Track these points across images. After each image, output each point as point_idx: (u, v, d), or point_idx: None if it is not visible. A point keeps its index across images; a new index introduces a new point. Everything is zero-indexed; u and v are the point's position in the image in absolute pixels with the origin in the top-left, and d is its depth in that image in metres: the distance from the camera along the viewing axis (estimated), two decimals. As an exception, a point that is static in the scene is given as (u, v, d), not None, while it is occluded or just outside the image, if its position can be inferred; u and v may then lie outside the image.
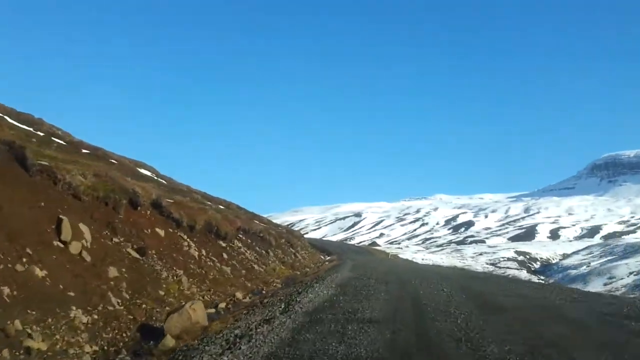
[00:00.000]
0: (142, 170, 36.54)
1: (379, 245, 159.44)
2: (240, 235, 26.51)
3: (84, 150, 30.02)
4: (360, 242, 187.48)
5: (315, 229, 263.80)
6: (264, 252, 28.38)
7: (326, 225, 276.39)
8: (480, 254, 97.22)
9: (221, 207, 34.93)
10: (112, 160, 31.52)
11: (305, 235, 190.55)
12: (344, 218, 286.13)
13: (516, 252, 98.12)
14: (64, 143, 27.79)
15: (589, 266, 72.03)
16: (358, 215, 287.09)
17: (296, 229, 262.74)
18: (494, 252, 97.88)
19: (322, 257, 47.25)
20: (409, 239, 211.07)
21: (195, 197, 31.74)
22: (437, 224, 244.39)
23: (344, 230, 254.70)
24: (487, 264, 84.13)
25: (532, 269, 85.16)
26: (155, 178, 35.31)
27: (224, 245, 22.49)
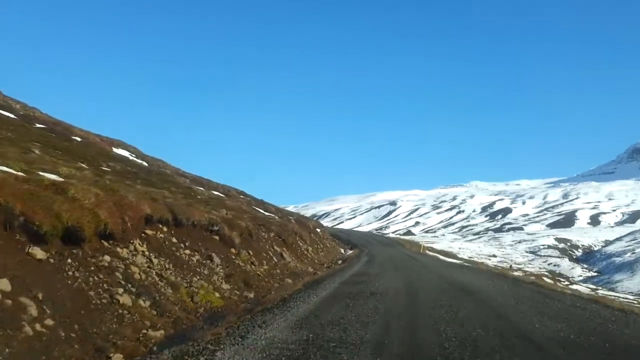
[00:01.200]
0: (119, 151, 33.47)
1: (413, 235, 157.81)
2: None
3: (38, 125, 26.16)
4: (396, 231, 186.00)
5: (350, 218, 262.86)
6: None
7: (361, 214, 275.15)
8: (519, 242, 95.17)
9: (216, 193, 32.22)
10: (76, 138, 27.70)
11: (340, 225, 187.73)
12: (379, 207, 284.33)
13: (556, 239, 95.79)
14: (15, 117, 24.98)
15: (634, 253, 69.64)
16: (393, 203, 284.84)
17: (332, 218, 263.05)
18: (533, 240, 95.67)
19: (342, 251, 43.98)
20: (445, 227, 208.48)
21: (181, 184, 27.27)
22: (474, 211, 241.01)
23: (379, 219, 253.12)
24: (526, 252, 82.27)
25: (574, 256, 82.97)
26: (132, 158, 32.41)
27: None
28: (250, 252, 18.66)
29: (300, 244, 29.61)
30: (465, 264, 42.08)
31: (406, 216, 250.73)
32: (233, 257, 16.69)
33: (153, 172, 28.87)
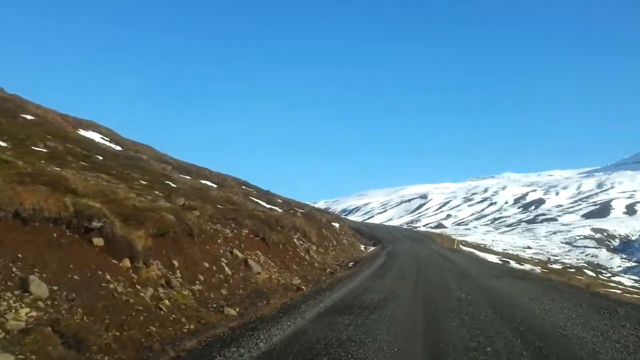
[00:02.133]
0: (87, 133, 30.55)
1: (445, 227, 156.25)
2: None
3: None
4: (427, 225, 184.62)
5: (380, 212, 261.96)
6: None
7: (392, 208, 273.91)
8: (554, 233, 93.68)
9: (206, 182, 29.30)
10: (26, 116, 25.14)
11: (371, 220, 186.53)
12: (409, 200, 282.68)
13: (592, 229, 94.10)
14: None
15: (673, 242, 67.95)
16: (424, 197, 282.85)
17: (362, 212, 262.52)
18: (568, 231, 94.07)
19: (363, 248, 40.63)
20: (476, 219, 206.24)
21: (155, 171, 24.07)
22: (506, 203, 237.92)
23: (410, 213, 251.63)
24: (562, 243, 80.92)
25: (612, 247, 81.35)
26: (101, 141, 29.47)
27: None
28: (174, 262, 11.74)
29: (299, 242, 23.31)
30: (515, 265, 35.78)
31: (437, 209, 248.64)
32: (120, 277, 9.55)
33: (120, 156, 26.04)
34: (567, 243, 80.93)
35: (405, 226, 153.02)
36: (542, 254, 63.45)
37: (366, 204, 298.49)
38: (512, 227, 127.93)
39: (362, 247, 40.94)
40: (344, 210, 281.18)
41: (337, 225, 41.83)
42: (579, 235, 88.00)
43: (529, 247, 70.96)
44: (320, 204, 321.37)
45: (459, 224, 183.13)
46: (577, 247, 76.52)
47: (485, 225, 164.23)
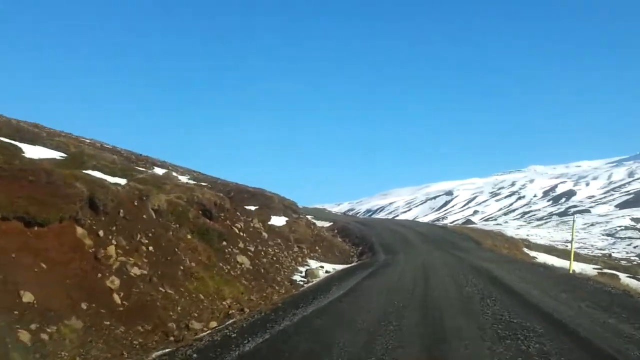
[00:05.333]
0: None
1: (473, 223, 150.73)
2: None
3: None
4: (454, 222, 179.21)
5: (405, 211, 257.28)
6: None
7: (417, 206, 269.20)
8: (592, 225, 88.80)
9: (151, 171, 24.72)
10: None
11: (395, 218, 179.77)
12: (434, 198, 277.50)
13: (632, 219, 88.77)
14: None
15: None
16: (449, 193, 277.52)
17: (386, 212, 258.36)
18: (607, 222, 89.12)
19: (317, 267, 22.85)
20: (505, 214, 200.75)
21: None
22: (535, 196, 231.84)
23: (436, 210, 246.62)
24: (602, 235, 75.83)
25: (658, 236, 75.91)
26: None
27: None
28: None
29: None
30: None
31: (464, 205, 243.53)
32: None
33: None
34: (608, 235, 75.87)
35: (429, 222, 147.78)
36: (586, 248, 58.49)
37: (390, 203, 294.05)
38: (545, 221, 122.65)
39: (318, 265, 23.42)
40: (368, 211, 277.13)
41: (279, 221, 28.82)
42: (619, 226, 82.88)
43: (569, 241, 65.78)
44: (345, 206, 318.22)
45: (487, 220, 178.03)
46: (620, 238, 71.35)
47: (515, 219, 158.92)
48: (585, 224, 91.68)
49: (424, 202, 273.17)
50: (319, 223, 40.46)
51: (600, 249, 58.17)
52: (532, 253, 36.52)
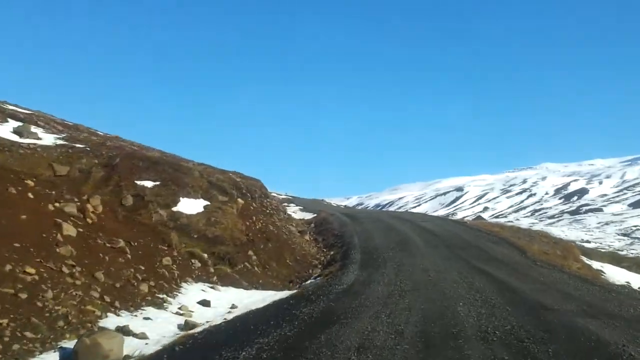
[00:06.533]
0: None
1: (483, 220, 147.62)
2: None
3: None
4: (464, 218, 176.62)
5: (414, 207, 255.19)
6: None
7: (426, 202, 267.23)
8: (606, 224, 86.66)
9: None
10: None
11: (398, 210, 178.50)
12: (444, 193, 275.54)
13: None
14: None
15: None
16: (459, 189, 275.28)
17: (396, 207, 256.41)
18: (622, 221, 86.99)
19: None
20: (515, 211, 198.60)
21: None
22: (546, 193, 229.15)
23: (445, 206, 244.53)
24: (618, 234, 73.76)
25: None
26: None
27: None
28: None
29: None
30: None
31: (474, 202, 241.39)
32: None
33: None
34: (624, 235, 73.67)
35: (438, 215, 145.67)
36: (603, 249, 56.52)
37: (400, 198, 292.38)
38: (557, 218, 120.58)
39: (207, 297, 13.91)
40: (377, 205, 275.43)
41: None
42: (635, 226, 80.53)
43: (587, 242, 63.84)
44: (353, 200, 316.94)
45: (497, 217, 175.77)
46: (637, 238, 69.21)
47: (526, 217, 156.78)
48: (599, 222, 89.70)
49: (434, 198, 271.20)
50: (306, 215, 35.75)
51: (618, 250, 56.23)
52: (595, 264, 25.36)
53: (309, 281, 17.96)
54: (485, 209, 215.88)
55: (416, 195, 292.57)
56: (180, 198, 19.69)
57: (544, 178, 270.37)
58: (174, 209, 18.93)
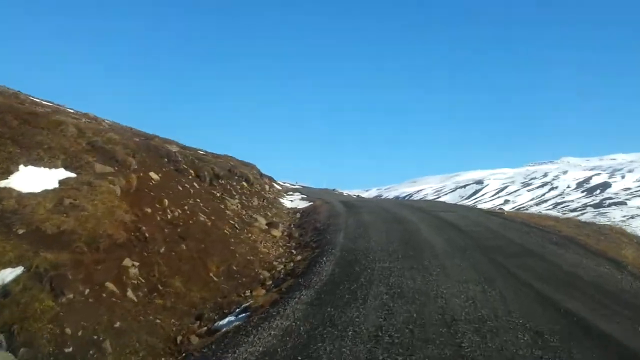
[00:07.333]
0: None
1: (502, 212, 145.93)
2: None
3: None
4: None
5: (433, 199, 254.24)
6: None
7: (445, 194, 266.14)
8: (631, 217, 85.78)
9: None
10: None
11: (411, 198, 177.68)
12: (464, 186, 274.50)
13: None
14: None
15: None
16: (479, 182, 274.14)
17: (414, 199, 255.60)
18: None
19: None
20: (537, 204, 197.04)
21: None
22: (568, 187, 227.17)
23: (465, 199, 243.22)
24: (645, 227, 73.01)
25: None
26: None
27: None
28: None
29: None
30: None
31: (494, 195, 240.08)
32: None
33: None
34: (652, 228, 72.77)
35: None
36: (632, 240, 55.83)
37: (419, 191, 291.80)
38: (580, 212, 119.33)
39: None
40: (395, 197, 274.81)
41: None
42: (661, 219, 79.58)
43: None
44: (372, 192, 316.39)
45: (518, 210, 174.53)
46: (666, 231, 68.43)
47: (547, 210, 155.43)
48: (624, 216, 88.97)
49: (454, 190, 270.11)
50: (301, 204, 32.09)
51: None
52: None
53: (226, 320, 10.75)
54: (506, 201, 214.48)
55: (435, 188, 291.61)
56: (21, 166, 12.59)
57: (565, 172, 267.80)
58: (1, 183, 11.92)
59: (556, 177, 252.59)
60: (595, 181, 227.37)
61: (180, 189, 17.42)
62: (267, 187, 34.49)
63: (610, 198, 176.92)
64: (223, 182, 23.07)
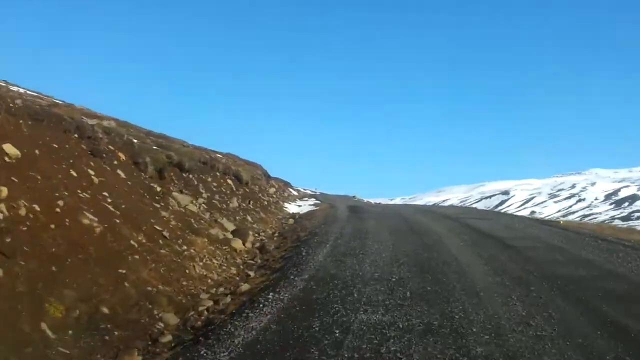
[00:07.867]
0: None
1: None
2: None
3: None
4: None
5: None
6: None
7: (471, 204, 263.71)
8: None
9: None
10: None
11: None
12: (490, 197, 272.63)
13: None
14: None
15: None
16: (505, 193, 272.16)
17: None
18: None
19: None
20: (564, 216, 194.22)
21: None
22: (596, 199, 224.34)
23: (491, 209, 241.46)
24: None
25: None
26: None
27: None
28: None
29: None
30: None
31: (520, 205, 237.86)
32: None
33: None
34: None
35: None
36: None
37: (444, 201, 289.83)
38: (607, 225, 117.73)
39: None
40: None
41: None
42: (690, 233, 78.38)
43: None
44: (397, 201, 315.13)
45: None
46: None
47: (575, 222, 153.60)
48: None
49: (479, 201, 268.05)
50: (309, 209, 29.50)
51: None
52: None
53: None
54: (532, 212, 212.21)
55: (461, 198, 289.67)
56: None
57: (593, 183, 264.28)
58: None
59: (584, 189, 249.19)
60: (623, 193, 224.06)
61: (75, 175, 11.32)
62: (271, 189, 32.36)
63: (638, 211, 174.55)
64: (190, 176, 18.44)
